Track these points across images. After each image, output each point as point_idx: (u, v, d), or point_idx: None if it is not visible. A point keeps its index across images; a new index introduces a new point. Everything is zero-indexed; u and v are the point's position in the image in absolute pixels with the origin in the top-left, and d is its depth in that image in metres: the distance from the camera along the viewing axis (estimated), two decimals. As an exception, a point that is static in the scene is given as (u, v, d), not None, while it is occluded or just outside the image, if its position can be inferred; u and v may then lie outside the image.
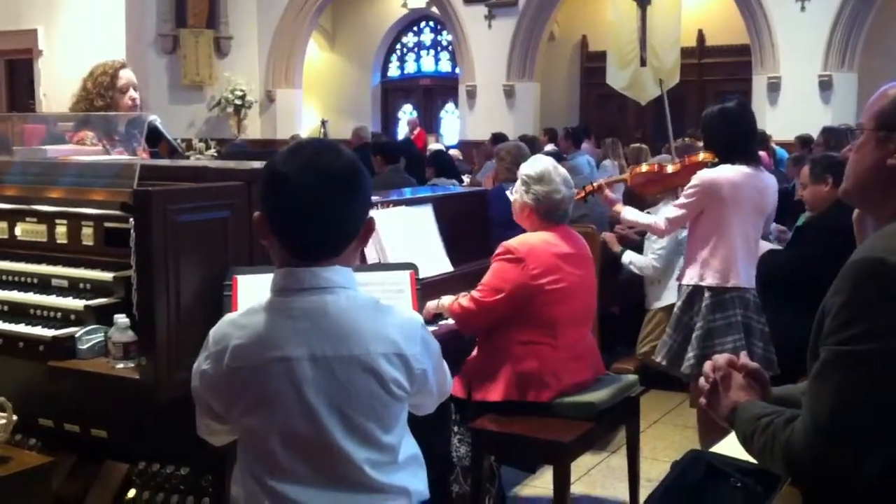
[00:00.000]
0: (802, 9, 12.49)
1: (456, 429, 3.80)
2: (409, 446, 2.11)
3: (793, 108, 12.33)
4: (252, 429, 1.99)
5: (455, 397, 3.75)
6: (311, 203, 1.96)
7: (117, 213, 3.03)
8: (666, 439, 5.30)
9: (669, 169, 4.73)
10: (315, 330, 1.97)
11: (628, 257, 5.72)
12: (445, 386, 2.27)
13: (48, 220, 3.34)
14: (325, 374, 1.96)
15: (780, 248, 5.28)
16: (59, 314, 3.12)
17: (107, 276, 3.11)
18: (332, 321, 1.98)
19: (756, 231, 4.41)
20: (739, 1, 13.06)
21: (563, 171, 3.92)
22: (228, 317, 2.09)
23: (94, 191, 3.24)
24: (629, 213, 4.70)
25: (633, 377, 4.13)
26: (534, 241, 3.77)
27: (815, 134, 9.61)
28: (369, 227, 2.08)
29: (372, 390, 1.98)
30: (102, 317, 3.05)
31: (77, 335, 3.00)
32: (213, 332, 2.06)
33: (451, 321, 3.85)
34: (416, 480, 2.10)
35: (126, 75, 4.47)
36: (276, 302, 2.02)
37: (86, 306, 3.06)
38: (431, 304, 3.88)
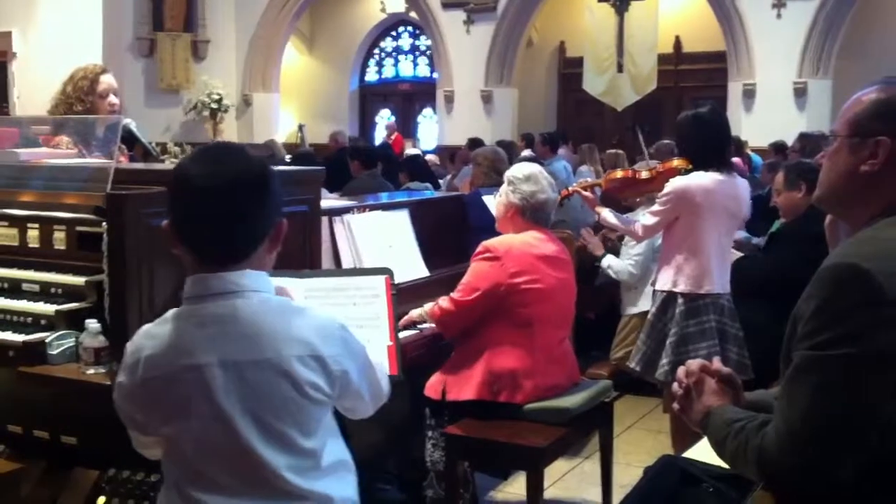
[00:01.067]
0: (778, 16, 12.59)
1: (430, 433, 3.79)
2: (335, 451, 2.06)
3: (768, 114, 12.42)
4: (170, 438, 1.97)
5: (429, 400, 3.74)
6: (215, 207, 1.93)
7: (90, 216, 3.00)
8: (639, 445, 5.31)
9: (644, 175, 4.72)
10: (224, 335, 1.94)
11: (608, 261, 5.72)
12: (378, 388, 2.21)
13: (20, 223, 3.29)
14: (236, 379, 1.92)
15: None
16: (29, 319, 3.09)
17: (79, 280, 3.08)
18: (242, 325, 1.94)
19: (730, 237, 4.42)
20: (716, 8, 13.16)
21: (548, 175, 3.94)
22: (143, 328, 2.06)
23: (66, 194, 3.22)
24: (608, 216, 4.70)
25: (606, 382, 4.13)
26: (513, 241, 3.78)
27: (790, 140, 9.68)
28: (279, 229, 2.04)
29: (286, 394, 1.94)
30: (74, 322, 3.02)
31: (48, 340, 2.96)
32: (129, 343, 2.03)
33: (432, 326, 3.84)
34: (343, 486, 2.05)
35: (107, 80, 4.41)
36: (187, 310, 2.00)
37: (57, 311, 3.03)
38: (415, 313, 3.86)
